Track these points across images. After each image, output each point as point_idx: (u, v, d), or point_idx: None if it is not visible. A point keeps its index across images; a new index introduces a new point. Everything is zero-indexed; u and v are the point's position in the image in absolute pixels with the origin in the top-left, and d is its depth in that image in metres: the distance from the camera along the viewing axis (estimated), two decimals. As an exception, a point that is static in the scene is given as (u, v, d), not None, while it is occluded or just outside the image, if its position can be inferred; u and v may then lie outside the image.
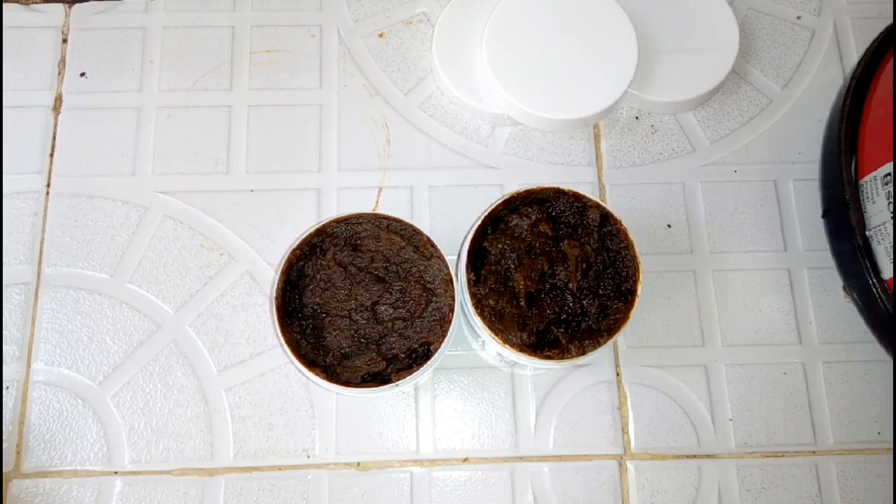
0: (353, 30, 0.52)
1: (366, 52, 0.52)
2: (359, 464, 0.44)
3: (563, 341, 0.39)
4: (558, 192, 0.42)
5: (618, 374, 0.46)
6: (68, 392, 0.44)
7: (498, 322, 0.39)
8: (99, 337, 0.45)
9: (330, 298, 0.40)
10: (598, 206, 0.41)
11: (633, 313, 0.39)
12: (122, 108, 0.50)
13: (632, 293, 0.40)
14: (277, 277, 0.40)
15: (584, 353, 0.39)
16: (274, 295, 0.39)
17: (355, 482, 0.43)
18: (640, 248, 0.41)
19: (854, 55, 0.52)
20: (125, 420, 0.44)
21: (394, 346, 0.40)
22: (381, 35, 0.52)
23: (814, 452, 0.45)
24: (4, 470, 0.43)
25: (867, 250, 0.41)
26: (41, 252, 0.47)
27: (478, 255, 0.41)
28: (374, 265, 0.41)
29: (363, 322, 0.40)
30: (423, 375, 0.40)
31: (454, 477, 0.44)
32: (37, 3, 0.52)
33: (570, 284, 0.40)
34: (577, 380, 0.45)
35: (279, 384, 0.45)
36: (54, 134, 0.49)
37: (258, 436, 0.44)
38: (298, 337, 0.40)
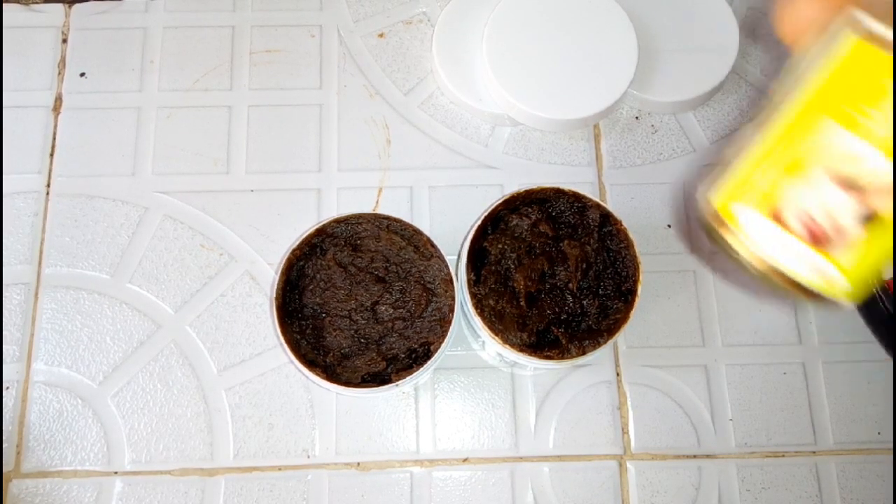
0: (353, 30, 0.52)
1: (366, 52, 0.52)
2: (359, 464, 0.44)
3: (563, 341, 0.39)
4: (558, 192, 0.42)
5: (618, 374, 0.46)
6: (68, 392, 0.44)
7: (498, 322, 0.39)
8: (99, 337, 0.45)
9: (330, 298, 0.40)
10: (598, 206, 0.41)
11: (633, 313, 0.39)
12: (122, 108, 0.50)
13: (632, 293, 0.40)
14: (277, 277, 0.39)
15: (584, 353, 0.39)
16: (274, 295, 0.39)
17: (355, 482, 0.43)
18: (640, 248, 0.41)
19: (854, 55, 0.52)
20: (125, 420, 0.44)
21: (394, 346, 0.40)
22: (381, 35, 0.52)
23: (814, 452, 0.45)
24: (4, 470, 0.43)
25: (867, 250, 0.41)
26: (41, 252, 0.47)
27: (478, 255, 0.41)
28: (374, 265, 0.41)
29: (363, 322, 0.40)
30: (423, 375, 0.40)
31: (454, 477, 0.44)
32: (37, 3, 0.52)
33: (570, 284, 0.40)
34: (577, 380, 0.45)
35: (279, 384, 0.45)
36: (54, 134, 0.49)
37: (258, 436, 0.44)
38: (298, 337, 0.40)
